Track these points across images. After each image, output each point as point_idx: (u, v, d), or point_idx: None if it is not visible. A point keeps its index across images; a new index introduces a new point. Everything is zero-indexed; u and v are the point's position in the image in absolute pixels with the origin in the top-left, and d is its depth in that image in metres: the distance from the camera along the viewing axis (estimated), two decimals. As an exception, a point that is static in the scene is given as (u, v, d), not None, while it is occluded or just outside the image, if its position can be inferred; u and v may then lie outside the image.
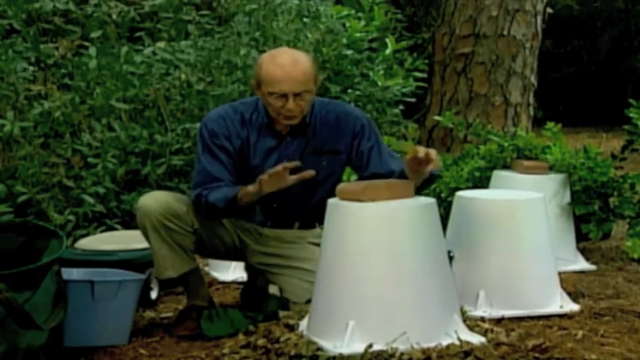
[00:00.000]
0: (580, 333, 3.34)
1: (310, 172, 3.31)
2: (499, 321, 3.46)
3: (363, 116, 3.60)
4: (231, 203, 3.36)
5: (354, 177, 3.69)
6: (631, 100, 5.12)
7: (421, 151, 3.18)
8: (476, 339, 3.07)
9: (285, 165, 3.28)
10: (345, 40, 7.15)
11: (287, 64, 3.35)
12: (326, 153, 3.50)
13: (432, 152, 3.20)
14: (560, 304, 3.65)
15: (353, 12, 7.65)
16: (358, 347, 2.94)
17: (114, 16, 6.10)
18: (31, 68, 5.53)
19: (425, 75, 7.50)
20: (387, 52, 7.58)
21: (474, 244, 3.63)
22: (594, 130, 11.37)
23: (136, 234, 3.55)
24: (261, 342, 3.11)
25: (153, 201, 3.40)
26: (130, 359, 3.21)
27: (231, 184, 3.41)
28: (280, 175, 3.27)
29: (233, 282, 4.31)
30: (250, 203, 3.39)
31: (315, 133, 3.50)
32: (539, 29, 6.26)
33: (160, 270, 3.43)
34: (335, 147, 3.51)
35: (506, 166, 4.83)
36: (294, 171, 3.31)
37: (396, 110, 7.28)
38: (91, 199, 4.96)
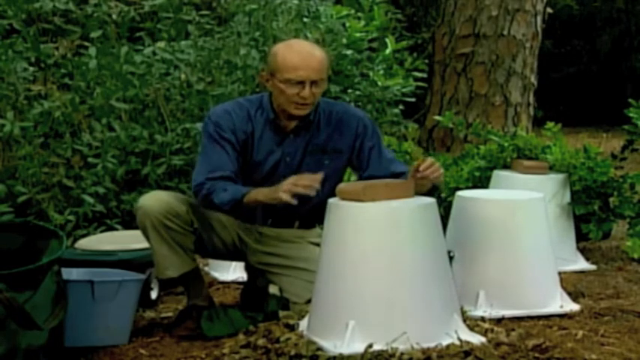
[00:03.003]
0: (580, 333, 3.34)
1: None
2: (499, 321, 3.46)
3: (366, 117, 3.60)
4: (237, 205, 3.34)
5: (353, 177, 3.69)
6: (631, 100, 5.12)
7: (424, 165, 3.19)
8: (476, 339, 3.07)
9: (314, 177, 3.20)
10: (344, 40, 7.15)
11: (305, 52, 3.39)
12: (328, 152, 3.50)
13: (433, 170, 3.20)
14: (560, 303, 3.65)
15: (353, 12, 7.65)
16: (358, 347, 2.93)
17: (114, 16, 6.10)
18: (31, 68, 5.52)
19: (425, 75, 7.50)
20: (387, 52, 7.58)
21: (474, 244, 3.63)
22: (594, 130, 11.36)
23: (136, 234, 3.55)
24: (261, 342, 3.11)
25: (153, 200, 3.40)
26: (130, 359, 3.21)
27: (234, 177, 3.38)
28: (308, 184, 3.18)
29: (233, 282, 4.31)
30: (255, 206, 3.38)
31: (318, 131, 3.50)
32: (539, 29, 6.26)
33: (160, 270, 3.43)
34: (337, 146, 3.51)
35: (506, 166, 4.83)
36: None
37: (396, 110, 7.29)
38: (91, 199, 4.95)
